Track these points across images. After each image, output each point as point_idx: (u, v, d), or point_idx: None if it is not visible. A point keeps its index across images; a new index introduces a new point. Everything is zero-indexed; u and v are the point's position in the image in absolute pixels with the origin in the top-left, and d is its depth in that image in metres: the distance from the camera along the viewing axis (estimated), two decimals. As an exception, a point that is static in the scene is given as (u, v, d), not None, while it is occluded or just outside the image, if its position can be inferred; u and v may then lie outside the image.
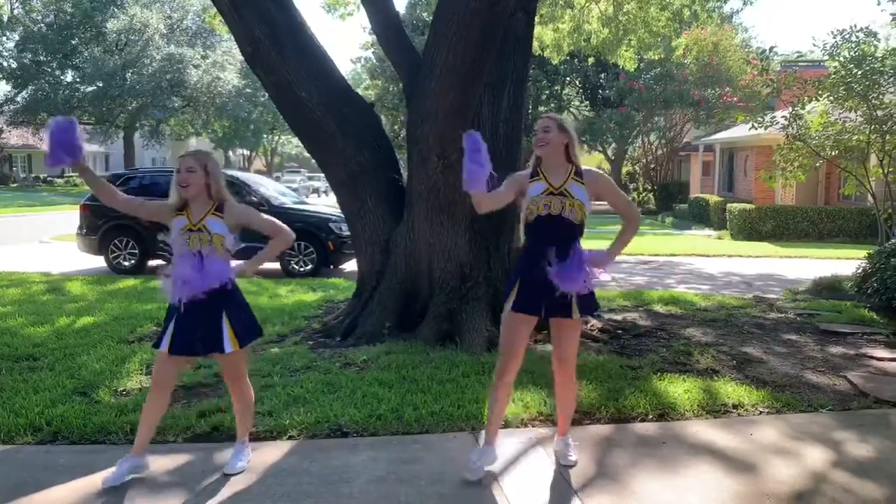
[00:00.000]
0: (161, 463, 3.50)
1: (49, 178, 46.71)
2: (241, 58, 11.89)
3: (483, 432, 3.48)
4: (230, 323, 3.23)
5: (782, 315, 7.20)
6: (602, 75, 30.31)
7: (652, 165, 31.52)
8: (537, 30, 11.20)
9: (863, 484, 3.34)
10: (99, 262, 10.91)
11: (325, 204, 14.07)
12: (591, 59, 16.10)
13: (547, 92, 32.66)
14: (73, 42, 41.56)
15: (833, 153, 10.40)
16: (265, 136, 57.18)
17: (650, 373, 4.94)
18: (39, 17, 41.97)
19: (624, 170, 35.46)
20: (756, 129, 11.03)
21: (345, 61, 62.57)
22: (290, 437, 3.84)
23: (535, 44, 11.27)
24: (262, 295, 7.95)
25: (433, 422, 3.99)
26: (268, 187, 11.68)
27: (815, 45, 10.79)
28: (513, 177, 3.45)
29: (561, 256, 3.23)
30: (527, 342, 3.44)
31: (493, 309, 5.57)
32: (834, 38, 9.94)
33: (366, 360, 5.13)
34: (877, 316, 6.96)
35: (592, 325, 6.28)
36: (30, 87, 40.83)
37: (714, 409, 4.31)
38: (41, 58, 40.73)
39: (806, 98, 10.19)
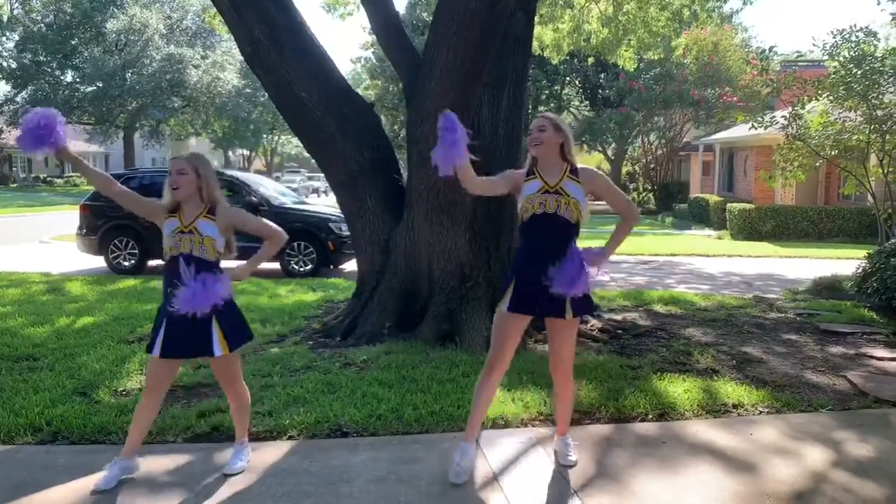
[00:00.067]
0: (161, 463, 3.50)
1: (49, 179, 46.74)
2: (241, 58, 11.89)
3: (470, 431, 3.43)
4: (220, 326, 3.21)
5: (782, 315, 7.21)
6: (602, 75, 30.32)
7: (652, 165, 31.52)
8: (537, 30, 11.21)
9: (863, 484, 3.34)
10: (99, 262, 10.92)
11: (325, 204, 14.07)
12: (590, 59, 16.11)
13: (547, 92, 32.66)
14: (73, 42, 41.56)
15: (833, 153, 10.39)
16: (265, 136, 57.20)
17: (650, 373, 4.95)
18: (39, 18, 41.97)
19: (624, 170, 35.46)
20: (756, 128, 11.03)
21: (345, 61, 62.70)
22: (290, 437, 3.84)
23: (535, 44, 11.28)
24: (262, 295, 7.95)
25: (433, 422, 3.99)
26: (267, 187, 11.68)
27: (814, 44, 10.80)
28: (508, 173, 3.45)
29: (557, 256, 3.21)
30: (518, 341, 3.43)
31: (492, 309, 5.53)
32: (834, 37, 9.94)
33: (366, 360, 5.13)
34: (877, 316, 6.97)
35: (592, 325, 6.28)
36: (29, 88, 40.83)
37: (714, 408, 4.31)
38: (41, 58, 40.73)
39: (806, 98, 10.19)
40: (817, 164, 11.23)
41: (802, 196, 19.91)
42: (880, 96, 9.47)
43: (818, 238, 17.45)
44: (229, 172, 12.45)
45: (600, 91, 31.50)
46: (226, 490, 3.24)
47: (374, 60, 34.73)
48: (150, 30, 40.79)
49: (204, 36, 45.83)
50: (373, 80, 35.51)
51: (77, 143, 46.39)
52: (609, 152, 35.18)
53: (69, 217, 16.28)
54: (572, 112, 36.00)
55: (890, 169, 9.65)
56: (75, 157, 3.33)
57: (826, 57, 10.36)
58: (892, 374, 5.15)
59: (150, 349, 3.24)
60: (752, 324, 6.72)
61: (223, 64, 42.60)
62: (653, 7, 11.29)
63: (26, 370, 4.97)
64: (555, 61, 13.82)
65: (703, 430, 4.00)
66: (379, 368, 4.91)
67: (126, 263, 10.61)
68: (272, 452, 3.64)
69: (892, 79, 9.48)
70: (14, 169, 47.93)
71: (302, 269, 10.41)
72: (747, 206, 18.53)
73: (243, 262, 3.38)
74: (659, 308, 7.44)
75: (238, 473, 3.39)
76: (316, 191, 41.01)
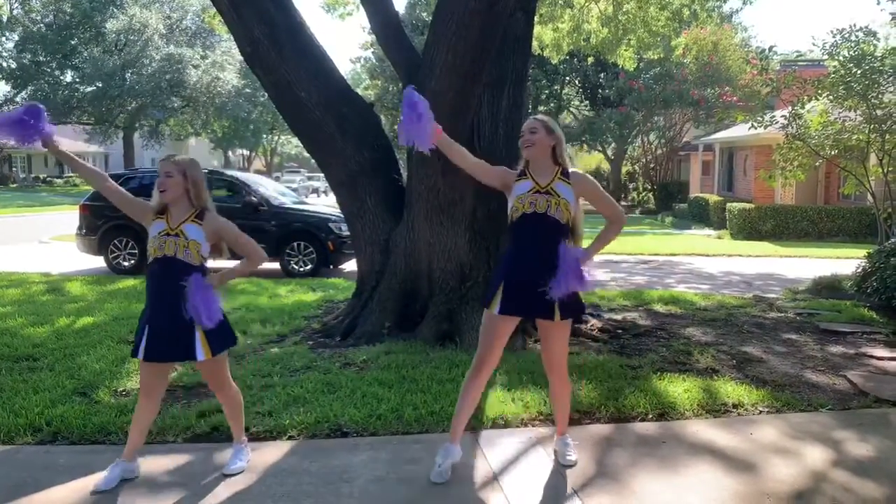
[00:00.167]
0: (161, 463, 3.50)
1: (49, 179, 46.72)
2: (241, 58, 11.89)
3: (455, 432, 3.42)
4: (203, 330, 3.17)
5: (782, 314, 7.21)
6: (602, 75, 30.30)
7: (651, 165, 31.52)
8: (537, 29, 11.21)
9: (863, 483, 3.34)
10: (98, 262, 10.91)
11: (325, 204, 14.07)
12: (590, 59, 16.12)
13: (546, 91, 32.64)
14: (73, 42, 41.52)
15: (832, 152, 10.40)
16: (265, 136, 57.17)
17: (650, 372, 4.95)
18: (39, 18, 41.94)
19: (624, 169, 35.45)
20: (756, 128, 11.03)
21: (344, 61, 62.63)
22: (290, 437, 3.84)
23: (535, 43, 11.27)
24: (262, 295, 7.95)
25: (433, 422, 3.99)
26: (267, 187, 11.68)
27: (814, 44, 10.79)
28: (503, 168, 3.46)
29: (546, 256, 3.20)
30: (505, 342, 3.41)
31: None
32: (833, 37, 9.94)
33: (365, 360, 5.13)
34: (876, 315, 6.97)
35: (592, 325, 6.28)
36: (29, 88, 40.78)
37: (714, 408, 4.30)
38: (40, 58, 40.71)
39: (805, 97, 10.19)
40: (817, 163, 11.24)
41: (802, 196, 19.92)
42: (880, 96, 9.47)
43: (818, 238, 17.46)
44: (229, 172, 12.46)
45: (600, 91, 31.49)
46: (226, 490, 3.24)
47: (374, 60, 34.73)
48: (149, 30, 40.79)
49: (204, 36, 45.81)
50: (372, 80, 35.52)
51: (77, 143, 46.39)
52: (609, 152, 35.17)
53: (69, 217, 16.27)
54: (572, 112, 35.97)
55: (890, 168, 9.65)
56: (63, 152, 3.33)
57: (826, 56, 10.37)
58: (891, 373, 5.15)
59: (134, 353, 3.23)
60: (752, 323, 6.73)
61: (223, 64, 42.59)
62: (652, 7, 11.29)
63: (26, 370, 4.97)
64: (554, 61, 13.82)
65: (703, 429, 4.00)
66: (379, 368, 4.91)
67: (126, 263, 10.61)
68: (272, 452, 3.64)
69: (891, 78, 9.48)
70: (14, 169, 47.92)
71: (302, 269, 10.41)
72: (747, 205, 18.54)
73: (237, 261, 3.37)
74: (659, 308, 7.44)
75: (238, 474, 3.39)
76: (316, 191, 41.00)
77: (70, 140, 44.89)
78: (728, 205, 19.20)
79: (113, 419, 3.98)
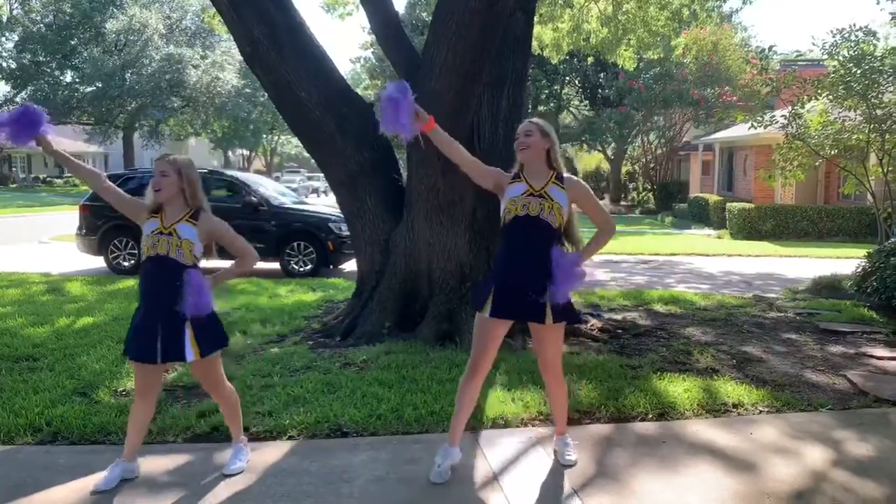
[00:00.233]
0: (161, 463, 3.50)
1: (48, 179, 46.71)
2: (241, 58, 11.89)
3: (454, 434, 3.42)
4: (193, 331, 3.16)
5: (782, 314, 7.21)
6: (601, 75, 30.30)
7: (651, 165, 31.52)
8: (536, 29, 11.21)
9: (863, 483, 3.34)
10: (98, 262, 10.91)
11: (325, 204, 14.07)
12: (590, 59, 16.12)
13: (546, 91, 32.64)
14: (73, 42, 41.49)
15: (832, 152, 10.40)
16: (265, 136, 57.13)
17: (650, 372, 4.95)
18: (38, 18, 41.91)
19: (624, 169, 35.44)
20: (755, 128, 11.03)
21: (344, 61, 62.70)
22: (290, 437, 3.84)
23: (535, 43, 11.28)
24: (262, 295, 7.95)
25: (433, 421, 3.99)
26: (267, 187, 11.68)
27: (814, 44, 10.79)
28: (497, 170, 3.46)
29: (538, 260, 3.20)
30: (499, 344, 3.41)
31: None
32: (833, 37, 9.94)
33: (365, 360, 5.13)
34: (876, 315, 6.97)
35: (592, 325, 6.28)
36: (29, 88, 40.77)
37: (714, 408, 4.31)
38: (40, 58, 40.68)
39: (805, 97, 10.20)
40: (817, 163, 11.24)
41: (802, 195, 19.92)
42: (880, 95, 9.47)
43: (818, 237, 17.46)
44: (229, 172, 12.45)
45: (600, 91, 31.49)
46: (225, 490, 3.24)
47: (374, 60, 34.74)
48: (149, 30, 40.75)
49: (203, 36, 45.78)
50: (372, 80, 35.53)
51: (77, 143, 46.39)
52: (609, 152, 35.17)
53: (69, 217, 16.27)
54: (572, 112, 35.97)
55: (889, 168, 9.65)
56: (58, 151, 3.33)
57: (825, 56, 10.37)
58: (891, 373, 5.15)
59: (125, 352, 3.23)
60: (752, 323, 6.73)
61: (223, 64, 42.56)
62: (652, 6, 11.30)
63: (26, 370, 4.97)
64: (554, 61, 13.82)
65: (703, 429, 4.00)
66: (379, 368, 4.91)
67: (126, 263, 10.61)
68: (272, 452, 3.64)
69: (891, 78, 9.48)
70: (14, 169, 47.91)
71: (302, 269, 10.41)
72: (747, 205, 18.54)
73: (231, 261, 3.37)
74: (659, 307, 7.44)
75: (237, 474, 3.39)
76: (316, 191, 41.00)
77: (70, 140, 44.91)
78: (728, 205, 19.20)
79: (113, 419, 3.98)
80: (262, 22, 5.79)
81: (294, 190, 19.48)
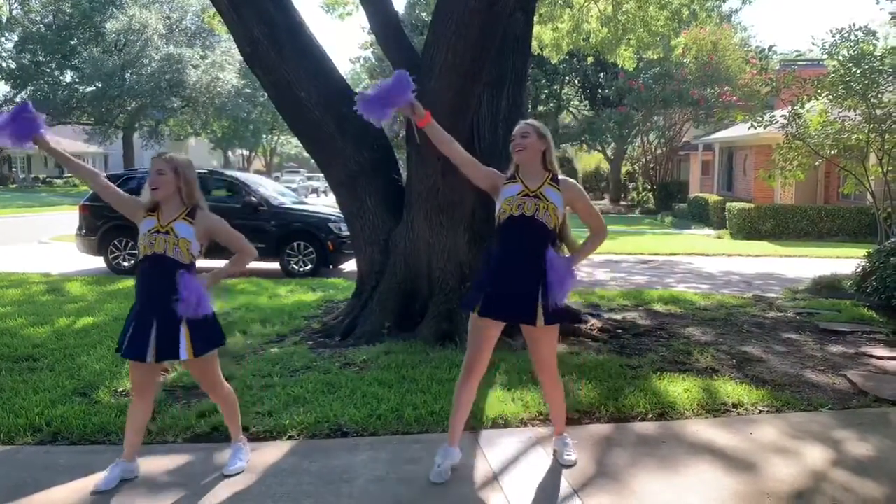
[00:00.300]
0: (161, 463, 3.50)
1: (48, 179, 46.71)
2: (241, 58, 11.89)
3: (453, 434, 3.43)
4: (188, 330, 3.15)
5: (782, 314, 7.21)
6: (601, 74, 30.30)
7: (651, 165, 31.52)
8: (536, 29, 11.21)
9: (863, 483, 3.34)
10: (98, 262, 10.91)
11: (325, 204, 14.07)
12: (590, 59, 16.12)
13: (546, 91, 32.62)
14: (72, 42, 41.48)
15: (832, 152, 10.40)
16: (264, 136, 57.12)
17: (650, 372, 4.95)
18: (38, 18, 41.90)
19: (623, 169, 35.44)
20: (755, 128, 11.03)
21: (344, 61, 62.72)
22: (290, 437, 3.84)
23: (535, 43, 11.27)
24: (262, 295, 7.95)
25: (433, 421, 3.99)
26: (267, 187, 11.68)
27: (814, 44, 10.79)
28: (493, 170, 3.46)
29: (532, 260, 3.21)
30: (494, 344, 3.40)
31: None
32: (833, 37, 9.94)
33: (365, 359, 5.13)
34: (876, 315, 6.97)
35: (592, 325, 6.29)
36: (29, 88, 40.75)
37: (714, 408, 4.31)
38: (40, 58, 40.66)
39: (805, 97, 10.19)
40: (817, 163, 11.25)
41: (802, 195, 19.92)
42: (879, 95, 9.47)
43: (818, 237, 17.46)
44: (229, 172, 12.46)
45: (600, 90, 31.49)
46: (225, 490, 3.24)
47: (374, 60, 34.75)
48: (149, 30, 40.74)
49: (203, 36, 45.76)
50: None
51: (77, 143, 46.37)
52: (608, 152, 35.17)
53: (69, 217, 16.27)
54: (572, 112, 35.95)
55: (889, 168, 9.65)
56: (55, 149, 3.33)
57: (825, 56, 10.37)
58: (891, 373, 5.16)
59: (118, 350, 3.22)
60: (752, 323, 6.73)
61: (222, 64, 42.54)
62: (652, 6, 11.30)
63: (26, 370, 4.97)
64: (554, 61, 13.82)
65: (703, 429, 4.00)
66: (379, 368, 4.91)
67: (126, 264, 10.59)
68: (272, 452, 3.64)
69: (891, 78, 9.48)
70: (14, 169, 47.91)
71: (301, 269, 10.41)
72: (747, 205, 18.54)
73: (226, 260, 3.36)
74: (659, 307, 7.44)
75: (237, 474, 3.39)
76: (315, 191, 40.99)
77: (70, 140, 44.88)
78: (728, 204, 19.20)
79: (113, 419, 3.98)
80: (261, 22, 5.79)
81: (294, 190, 19.48)
